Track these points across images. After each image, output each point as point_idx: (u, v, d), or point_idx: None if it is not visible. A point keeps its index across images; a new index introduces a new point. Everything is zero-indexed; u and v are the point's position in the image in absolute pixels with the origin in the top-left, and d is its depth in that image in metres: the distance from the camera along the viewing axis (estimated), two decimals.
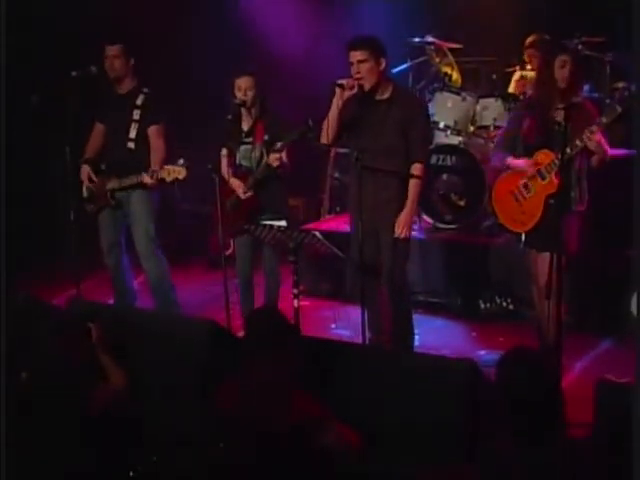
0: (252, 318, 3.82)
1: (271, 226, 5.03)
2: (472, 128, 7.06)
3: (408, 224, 5.13)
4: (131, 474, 3.84)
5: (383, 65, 5.05)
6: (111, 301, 6.21)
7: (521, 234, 5.07)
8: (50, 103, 5.69)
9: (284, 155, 5.44)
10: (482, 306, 6.40)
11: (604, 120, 4.70)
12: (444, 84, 7.27)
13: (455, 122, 7.03)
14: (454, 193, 6.83)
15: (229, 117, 5.51)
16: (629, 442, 3.08)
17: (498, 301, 6.35)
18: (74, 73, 5.73)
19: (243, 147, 5.64)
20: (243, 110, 5.57)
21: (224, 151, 5.69)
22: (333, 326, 6.19)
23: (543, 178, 4.89)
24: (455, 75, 7.57)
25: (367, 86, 5.02)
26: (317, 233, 4.81)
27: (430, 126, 5.51)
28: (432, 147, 5.90)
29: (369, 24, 7.59)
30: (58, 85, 5.74)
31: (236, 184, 5.60)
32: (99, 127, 6.13)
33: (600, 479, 2.93)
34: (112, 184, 5.92)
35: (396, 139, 5.07)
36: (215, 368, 4.10)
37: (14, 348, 3.92)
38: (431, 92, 7.17)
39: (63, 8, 7.60)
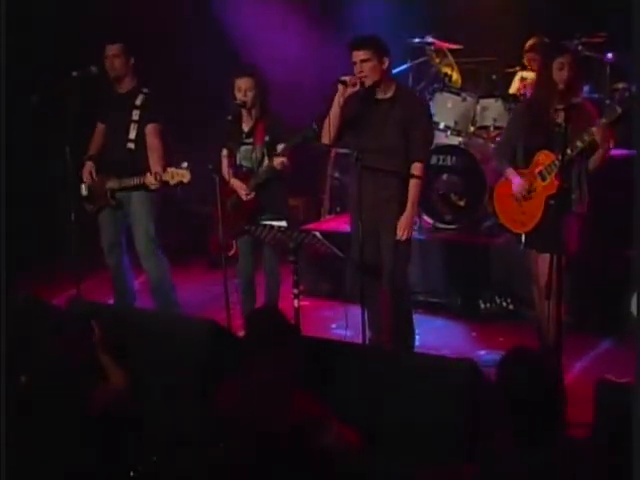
0: (252, 318, 3.82)
1: (271, 226, 5.02)
2: (472, 128, 7.06)
3: (409, 226, 5.12)
4: (131, 474, 3.83)
5: (386, 64, 5.05)
6: (111, 301, 6.21)
7: (521, 235, 5.06)
8: (50, 103, 5.69)
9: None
10: (482, 306, 6.39)
11: (604, 121, 4.69)
12: (444, 84, 7.27)
13: (455, 122, 7.03)
14: (454, 193, 6.83)
15: (229, 118, 5.50)
16: (629, 442, 3.08)
17: (498, 301, 6.34)
18: (75, 73, 5.73)
19: (244, 148, 5.63)
20: (243, 111, 5.57)
21: (224, 152, 5.68)
22: (333, 326, 6.19)
23: (543, 179, 4.88)
24: (455, 76, 7.57)
25: (369, 83, 5.01)
26: (317, 233, 4.80)
27: (432, 126, 5.50)
28: (432, 147, 5.88)
29: (369, 25, 7.59)
30: (58, 85, 5.73)
31: (237, 185, 5.60)
32: (101, 127, 6.13)
33: (600, 479, 2.92)
34: (112, 184, 5.91)
35: (397, 139, 5.06)
36: (215, 368, 4.10)
37: (14, 348, 3.91)
38: (431, 92, 7.17)
39: (63, 8, 7.59)
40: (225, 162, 5.67)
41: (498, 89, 7.44)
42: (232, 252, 5.69)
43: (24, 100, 5.75)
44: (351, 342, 4.87)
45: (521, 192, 4.96)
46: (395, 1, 8.49)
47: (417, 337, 5.50)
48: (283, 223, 5.26)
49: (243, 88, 5.48)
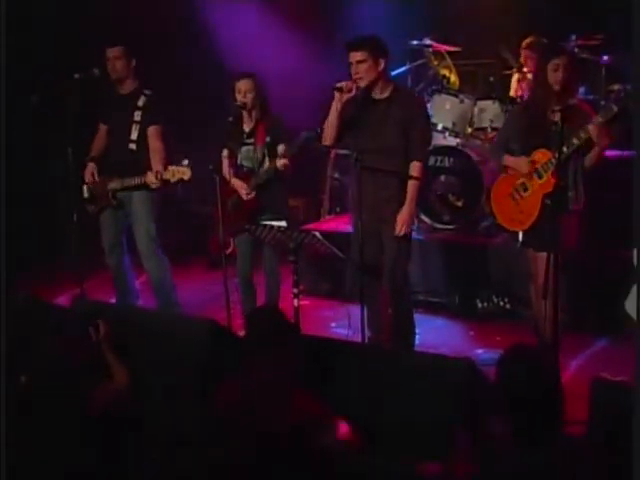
0: (252, 317, 3.81)
1: (271, 226, 5.03)
2: (470, 130, 7.06)
3: (407, 222, 5.10)
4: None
5: (382, 65, 5.02)
6: (113, 301, 6.20)
7: (518, 233, 5.06)
8: (50, 103, 5.68)
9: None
10: (480, 305, 6.39)
11: (600, 119, 4.69)
12: (442, 86, 7.27)
13: (453, 124, 7.03)
14: (452, 194, 6.83)
15: (230, 119, 5.50)
16: (624, 440, 3.07)
17: (495, 300, 6.34)
18: (77, 75, 5.73)
19: (244, 148, 5.63)
20: (244, 112, 5.57)
21: (225, 152, 5.68)
22: (333, 325, 6.19)
23: (540, 177, 4.88)
24: (453, 77, 7.58)
25: (363, 84, 5.00)
26: (317, 233, 4.80)
27: (430, 126, 5.49)
28: (430, 148, 5.88)
29: (368, 27, 7.58)
30: (58, 85, 5.72)
31: (238, 184, 5.60)
32: (103, 128, 6.13)
33: (596, 477, 2.92)
34: (114, 184, 5.92)
35: (396, 139, 5.05)
36: (215, 367, 4.09)
37: (14, 348, 3.89)
38: (429, 94, 7.17)
39: (63, 8, 7.57)
40: (226, 162, 5.67)
41: (495, 91, 7.44)
42: (230, 250, 5.68)
43: (24, 100, 5.74)
44: (350, 341, 4.87)
45: (524, 169, 4.91)
46: (394, 3, 8.48)
47: (416, 336, 5.49)
48: (283, 223, 5.26)
49: (243, 90, 5.49)
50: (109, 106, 6.05)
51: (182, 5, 8.45)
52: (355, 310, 4.92)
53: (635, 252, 5.13)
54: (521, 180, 4.97)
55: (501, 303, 6.31)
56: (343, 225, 7.02)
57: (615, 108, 4.64)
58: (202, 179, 5.40)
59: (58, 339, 4.00)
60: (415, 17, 8.21)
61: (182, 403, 4.12)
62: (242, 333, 4.07)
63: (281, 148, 5.52)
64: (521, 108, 5.38)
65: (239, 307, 5.70)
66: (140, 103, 5.87)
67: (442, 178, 6.84)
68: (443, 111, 7.06)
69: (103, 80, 5.88)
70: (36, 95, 5.74)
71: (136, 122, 5.86)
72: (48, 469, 3.59)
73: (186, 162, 5.52)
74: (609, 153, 6.26)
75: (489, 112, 6.98)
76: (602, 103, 6.66)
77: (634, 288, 5.11)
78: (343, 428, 3.49)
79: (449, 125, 7.02)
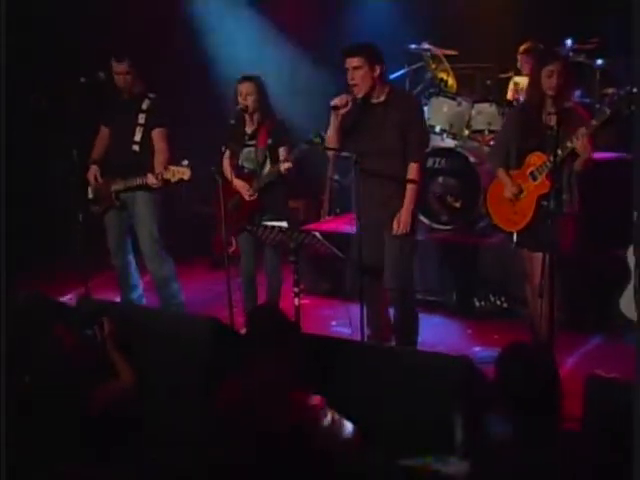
0: (254, 315, 3.82)
1: (272, 227, 5.04)
2: (467, 132, 7.08)
3: (405, 223, 5.11)
4: None
5: (378, 72, 5.00)
6: (117, 300, 6.21)
7: (513, 234, 5.08)
8: (51, 103, 5.69)
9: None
10: (477, 304, 6.41)
11: (594, 123, 4.71)
12: (440, 89, 7.29)
13: (451, 126, 7.05)
14: (450, 195, 6.84)
15: (232, 121, 5.52)
16: (619, 436, 3.09)
17: (492, 299, 6.36)
18: (83, 79, 5.74)
19: (246, 150, 5.65)
20: (246, 115, 5.59)
21: (227, 153, 5.70)
22: (333, 323, 6.21)
23: (534, 179, 4.91)
24: (451, 81, 7.60)
25: (361, 93, 5.00)
26: (317, 234, 4.81)
27: (426, 127, 5.50)
28: (429, 150, 5.90)
29: (367, 31, 7.61)
30: (59, 85, 5.72)
31: (240, 185, 5.61)
32: (104, 130, 6.13)
33: (594, 473, 2.92)
34: (117, 186, 5.94)
35: (394, 141, 5.06)
36: (218, 365, 4.10)
37: (16, 347, 3.88)
38: (427, 97, 7.19)
39: (63, 8, 7.55)
40: (227, 163, 5.69)
41: (492, 94, 7.47)
42: (232, 249, 5.70)
43: (24, 100, 5.74)
44: (349, 339, 4.88)
45: (511, 194, 5.00)
46: (393, 7, 8.49)
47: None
48: (284, 224, 5.28)
49: (244, 93, 5.50)
50: (113, 109, 6.06)
51: (183, 5, 8.45)
52: (355, 309, 4.94)
53: (629, 252, 5.16)
54: (516, 182, 5.00)
55: (498, 302, 6.33)
56: (343, 226, 7.04)
57: (608, 111, 4.67)
58: (204, 180, 5.41)
59: (62, 337, 3.97)
60: (413, 21, 8.23)
61: (185, 401, 4.12)
62: (244, 331, 4.09)
63: (282, 151, 5.54)
64: (517, 111, 5.40)
65: (241, 306, 5.72)
66: (144, 106, 5.89)
67: (440, 179, 6.85)
68: (441, 113, 7.08)
69: (107, 83, 5.90)
70: (38, 95, 5.72)
71: (140, 125, 5.88)
72: (48, 469, 3.53)
73: (186, 162, 5.55)
74: (604, 155, 6.30)
75: (486, 115, 7.00)
76: (597, 106, 6.69)
77: (629, 287, 5.14)
78: (340, 420, 3.49)
79: (447, 127, 7.04)
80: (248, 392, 3.45)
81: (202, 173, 5.43)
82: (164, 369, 4.26)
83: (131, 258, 6.19)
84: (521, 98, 6.98)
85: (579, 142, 4.69)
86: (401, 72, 7.57)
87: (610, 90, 6.79)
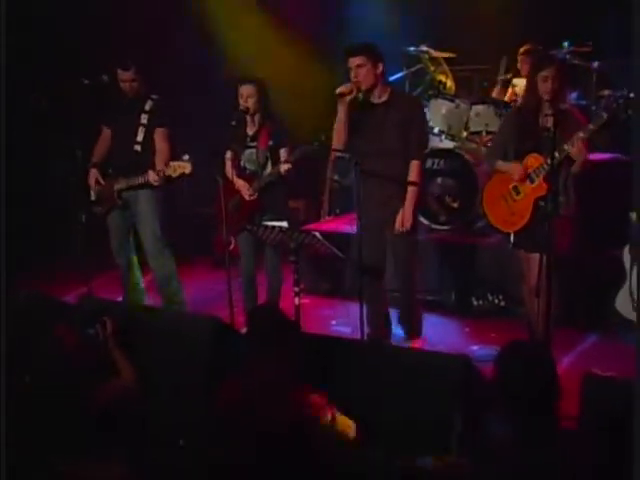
0: (254, 315, 3.82)
1: (273, 227, 5.05)
2: (465, 133, 7.07)
3: (407, 220, 5.12)
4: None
5: (380, 69, 5.07)
6: (119, 299, 6.20)
7: (510, 234, 5.07)
8: (51, 103, 5.68)
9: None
10: (475, 303, 6.40)
11: (591, 127, 4.70)
12: (438, 91, 7.29)
13: (449, 127, 7.05)
14: (448, 195, 6.83)
15: (233, 123, 5.52)
16: (616, 433, 3.09)
17: (490, 298, 6.35)
18: (86, 81, 5.74)
19: (248, 151, 5.65)
20: (247, 116, 5.58)
21: (229, 154, 5.70)
22: (333, 322, 6.20)
23: (532, 181, 4.89)
24: (449, 83, 7.61)
25: (364, 87, 5.04)
26: (317, 234, 4.81)
27: (427, 126, 5.53)
28: (427, 151, 5.90)
29: (366, 33, 7.59)
30: (59, 85, 5.71)
31: (241, 185, 5.61)
32: (106, 131, 6.13)
33: (593, 471, 2.91)
34: (119, 185, 5.93)
35: (395, 141, 5.09)
36: (219, 363, 4.10)
37: (16, 348, 3.86)
38: (426, 99, 7.18)
39: (63, 8, 7.52)
40: (229, 164, 5.69)
41: (490, 96, 7.46)
42: (232, 247, 5.68)
43: (24, 100, 5.72)
44: (349, 338, 4.87)
45: (516, 175, 4.91)
46: (392, 10, 8.48)
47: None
48: (284, 224, 5.28)
49: (245, 95, 5.50)
50: (115, 109, 6.05)
51: (183, 6, 8.43)
52: (355, 308, 4.93)
53: (625, 251, 5.16)
54: (513, 184, 4.99)
55: (495, 301, 6.33)
56: (342, 226, 7.04)
57: (605, 116, 4.64)
58: (206, 181, 5.41)
59: (63, 336, 3.95)
60: (412, 24, 8.22)
61: (186, 400, 4.12)
62: (245, 330, 4.08)
63: (283, 152, 5.54)
64: (514, 113, 5.39)
65: (242, 305, 5.71)
66: (147, 107, 5.89)
67: (439, 180, 6.84)
68: (439, 115, 7.08)
69: (110, 86, 5.89)
70: (41, 96, 5.71)
71: (142, 125, 5.88)
72: (48, 469, 3.52)
73: (187, 157, 5.55)
74: (600, 156, 6.29)
75: (484, 116, 6.99)
76: (593, 108, 6.69)
77: (624, 286, 5.14)
78: (340, 417, 3.49)
79: (445, 128, 7.04)
80: (248, 391, 3.45)
81: (204, 173, 5.43)
82: (165, 368, 4.26)
83: (133, 257, 6.18)
84: (519, 100, 6.97)
85: (574, 149, 4.66)
86: (400, 74, 7.58)
87: (606, 92, 6.79)
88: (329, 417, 3.42)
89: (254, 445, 3.30)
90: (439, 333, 5.96)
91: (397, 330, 5.64)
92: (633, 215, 4.98)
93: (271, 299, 5.69)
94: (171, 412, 4.13)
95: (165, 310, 5.75)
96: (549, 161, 4.60)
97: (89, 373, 3.91)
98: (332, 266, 6.73)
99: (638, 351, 3.65)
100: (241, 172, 5.66)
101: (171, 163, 5.62)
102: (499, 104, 7.02)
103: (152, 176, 5.72)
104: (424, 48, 7.51)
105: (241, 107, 5.50)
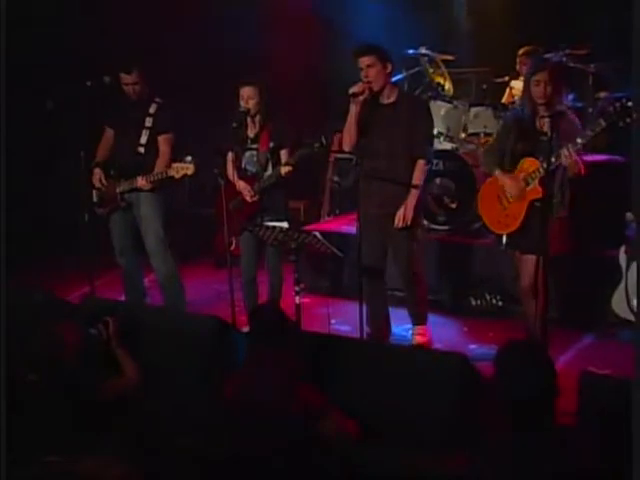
0: (255, 314, 3.82)
1: (274, 227, 5.05)
2: (463, 135, 7.08)
3: (408, 216, 5.13)
4: None
5: (389, 69, 5.11)
6: (122, 299, 6.19)
7: (502, 236, 5.05)
8: (55, 104, 5.67)
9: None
10: (473, 303, 6.40)
11: (589, 133, 4.65)
12: (437, 93, 7.29)
13: (448, 129, 7.06)
14: (446, 196, 6.84)
15: (234, 124, 5.51)
16: (613, 430, 3.09)
17: (488, 298, 6.35)
18: (89, 83, 5.74)
19: (248, 153, 5.65)
20: (248, 118, 5.58)
21: (230, 155, 5.70)
22: (333, 322, 6.19)
23: (527, 184, 4.86)
24: (447, 85, 7.59)
25: (376, 88, 5.06)
26: (317, 234, 4.82)
27: (432, 125, 5.51)
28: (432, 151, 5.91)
29: (366, 35, 7.60)
30: (63, 86, 5.69)
31: (242, 186, 5.61)
32: (109, 132, 6.12)
33: (591, 468, 2.91)
34: (122, 187, 5.93)
35: (403, 141, 5.11)
36: (220, 363, 4.10)
37: (17, 347, 3.86)
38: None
39: (64, 8, 7.51)
40: (230, 165, 5.69)
41: (488, 98, 7.46)
42: (233, 247, 5.69)
43: (25, 100, 5.70)
44: (349, 337, 4.87)
45: (512, 192, 4.90)
46: (392, 13, 8.48)
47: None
48: (285, 224, 5.28)
49: (246, 96, 5.50)
50: (119, 111, 6.05)
51: (184, 6, 8.42)
52: (354, 307, 4.93)
53: (621, 252, 5.16)
54: (517, 181, 4.97)
55: (493, 300, 6.32)
56: (342, 226, 7.04)
57: (603, 123, 4.58)
58: (207, 182, 5.41)
59: (66, 335, 3.94)
60: (411, 27, 8.22)
61: (187, 399, 4.11)
62: (246, 329, 4.08)
63: (284, 154, 5.54)
64: (512, 115, 5.38)
65: (243, 305, 5.71)
66: (152, 110, 5.88)
67: (437, 181, 6.85)
68: (438, 117, 7.06)
69: (113, 87, 5.88)
70: (45, 97, 5.71)
71: (147, 128, 5.87)
72: (49, 467, 3.50)
73: (189, 158, 5.55)
74: (595, 158, 6.29)
75: (482, 118, 7.01)
76: (590, 110, 6.68)
77: (620, 286, 5.14)
78: (343, 419, 3.49)
79: (444, 130, 7.04)
80: (250, 390, 3.44)
81: (206, 176, 5.42)
82: (167, 367, 4.26)
83: (136, 258, 6.18)
84: (517, 102, 6.96)
85: (569, 160, 4.61)
86: (399, 77, 7.57)
87: (602, 94, 6.78)
88: (328, 416, 3.42)
89: (255, 444, 3.31)
90: (437, 332, 5.95)
91: (397, 329, 5.65)
92: (629, 215, 4.98)
93: (272, 298, 5.69)
94: (172, 412, 4.12)
95: (167, 310, 5.75)
96: (545, 165, 4.58)
97: (90, 373, 3.91)
98: (332, 265, 6.73)
99: (637, 351, 3.64)
100: (242, 174, 5.66)
101: (174, 164, 5.63)
102: (497, 106, 7.03)
103: (140, 182, 5.72)
104: (423, 51, 7.51)
105: (242, 109, 5.51)
